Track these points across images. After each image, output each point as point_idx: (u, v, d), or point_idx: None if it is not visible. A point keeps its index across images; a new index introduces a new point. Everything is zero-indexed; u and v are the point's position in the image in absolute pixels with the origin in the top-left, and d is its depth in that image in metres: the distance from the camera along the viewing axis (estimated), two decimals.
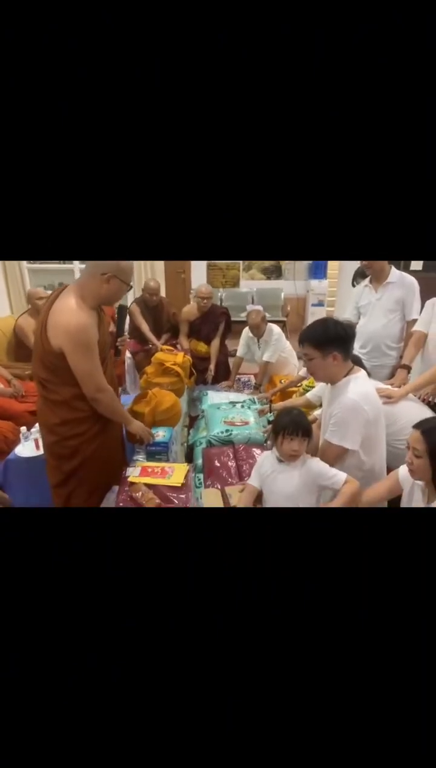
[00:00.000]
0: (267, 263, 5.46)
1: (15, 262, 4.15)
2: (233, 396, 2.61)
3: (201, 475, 1.87)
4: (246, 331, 2.90)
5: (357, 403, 1.35)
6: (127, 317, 2.81)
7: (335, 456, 1.42)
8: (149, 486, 1.32)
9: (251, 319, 2.79)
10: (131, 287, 1.37)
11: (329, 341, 1.34)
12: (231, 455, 1.96)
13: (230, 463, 1.88)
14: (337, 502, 1.24)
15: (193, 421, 2.51)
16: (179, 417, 1.79)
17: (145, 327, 2.97)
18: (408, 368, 1.88)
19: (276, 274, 5.44)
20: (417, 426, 1.15)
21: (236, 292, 5.25)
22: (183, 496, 1.31)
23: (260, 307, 2.82)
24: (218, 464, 1.89)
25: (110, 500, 1.35)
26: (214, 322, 2.96)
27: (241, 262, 5.37)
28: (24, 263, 4.24)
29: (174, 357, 2.24)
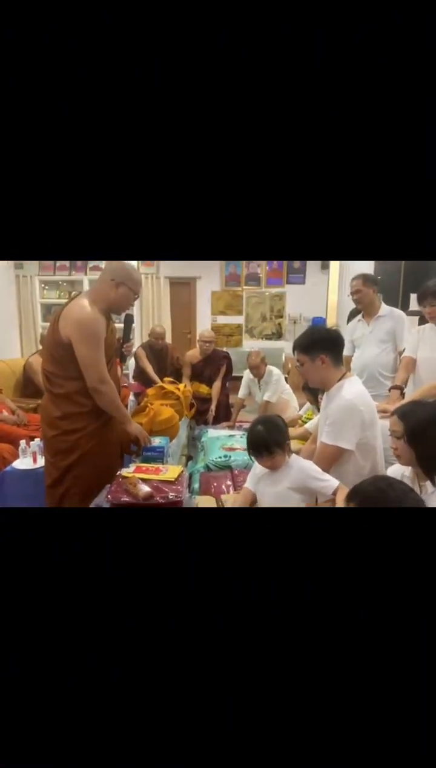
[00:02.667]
0: (269, 330, 5.78)
1: (30, 307, 4.47)
2: (233, 432, 2.62)
3: (196, 497, 1.82)
4: (247, 373, 3.01)
5: (352, 402, 1.38)
6: (135, 345, 2.91)
7: (331, 458, 1.41)
8: (143, 480, 1.31)
9: (250, 361, 2.91)
10: (138, 296, 1.50)
11: (315, 344, 1.41)
12: (229, 480, 1.92)
13: (226, 488, 1.85)
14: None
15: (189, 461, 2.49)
16: (177, 431, 1.81)
17: (149, 369, 3.10)
18: (400, 388, 1.92)
19: (277, 336, 5.73)
20: (395, 411, 1.19)
21: (239, 351, 5.49)
22: (178, 487, 1.29)
23: (259, 350, 2.97)
24: (214, 488, 1.85)
25: (101, 496, 1.32)
26: (216, 365, 3.09)
27: (243, 327, 5.70)
28: (39, 300, 4.59)
29: (173, 387, 2.31)
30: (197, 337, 3.10)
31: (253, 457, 1.34)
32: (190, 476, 2.14)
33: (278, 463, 1.32)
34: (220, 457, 2.11)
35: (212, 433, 2.62)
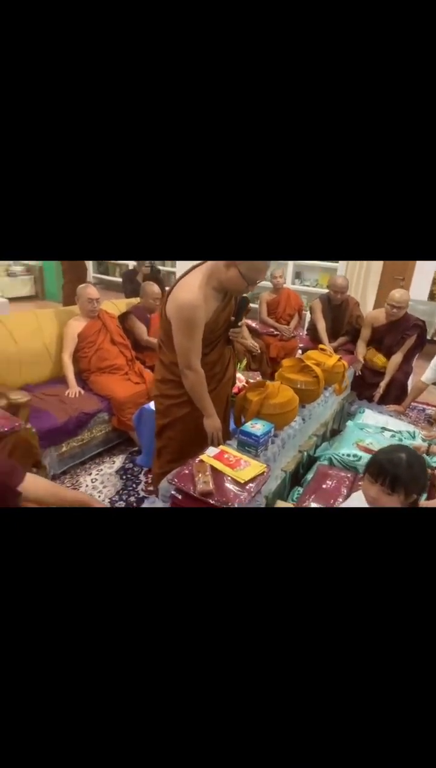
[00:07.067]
0: None
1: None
2: (392, 423, 2.17)
3: (300, 490, 1.65)
4: None
5: None
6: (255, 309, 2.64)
7: None
8: (216, 471, 1.26)
9: None
10: (252, 284, 1.28)
11: None
12: (348, 483, 1.65)
13: (341, 492, 1.59)
14: None
15: (334, 436, 2.22)
16: (292, 417, 1.61)
17: (321, 325, 2.79)
18: None
19: None
20: None
21: None
22: (243, 494, 1.19)
23: None
24: (326, 486, 1.63)
25: (178, 470, 1.35)
26: (402, 335, 2.50)
27: None
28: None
29: (324, 357, 2.02)
30: (387, 299, 2.53)
31: (367, 478, 1.07)
32: (316, 460, 1.94)
33: (380, 502, 1.03)
34: (349, 455, 1.80)
35: (368, 417, 2.24)
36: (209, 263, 1.33)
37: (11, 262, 5.64)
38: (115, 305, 2.77)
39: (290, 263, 4.80)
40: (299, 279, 4.98)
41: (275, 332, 3.26)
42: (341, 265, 4.59)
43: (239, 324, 1.42)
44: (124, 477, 2.17)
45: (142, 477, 2.18)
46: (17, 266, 5.77)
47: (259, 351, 2.90)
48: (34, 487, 1.00)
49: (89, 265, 5.69)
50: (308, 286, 4.87)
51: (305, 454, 1.95)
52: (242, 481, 1.23)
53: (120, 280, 4.86)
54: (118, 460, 2.30)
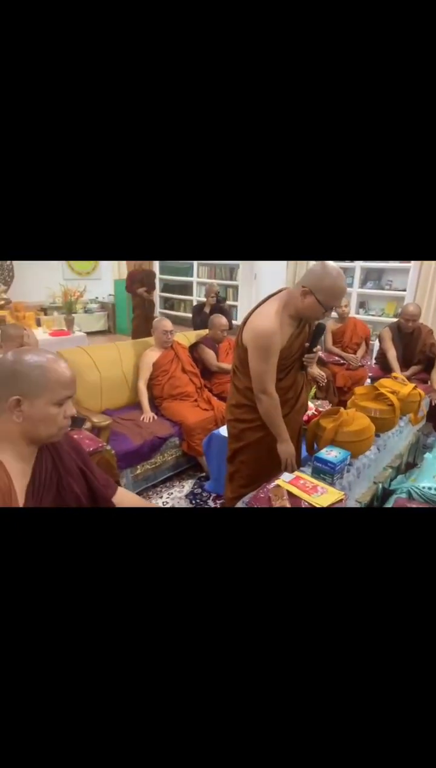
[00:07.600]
0: None
1: None
2: None
3: None
4: None
5: None
6: (326, 335, 2.67)
7: None
8: (291, 496, 1.25)
9: None
10: (329, 311, 1.32)
11: None
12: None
13: None
14: None
15: (410, 469, 2.10)
16: (367, 446, 1.56)
17: (391, 354, 2.72)
18: None
19: None
20: None
21: None
22: None
23: None
24: None
25: (252, 494, 1.36)
26: None
27: None
28: None
29: (398, 386, 1.96)
30: None
31: None
32: (391, 493, 1.85)
33: None
34: (431, 488, 1.69)
35: None
36: (285, 291, 1.39)
37: (88, 300, 6.19)
38: (186, 337, 2.92)
39: (354, 293, 4.76)
40: (363, 308, 4.90)
41: (341, 361, 3.22)
42: (408, 294, 4.46)
43: (315, 350, 1.44)
44: (193, 501, 2.21)
45: (210, 503, 2.21)
46: (93, 304, 6.32)
47: (325, 381, 2.88)
48: (122, 500, 1.08)
49: (157, 301, 6.10)
50: (372, 315, 4.77)
51: (380, 486, 1.87)
52: (322, 508, 1.21)
53: (184, 314, 5.12)
54: (187, 485, 2.36)
